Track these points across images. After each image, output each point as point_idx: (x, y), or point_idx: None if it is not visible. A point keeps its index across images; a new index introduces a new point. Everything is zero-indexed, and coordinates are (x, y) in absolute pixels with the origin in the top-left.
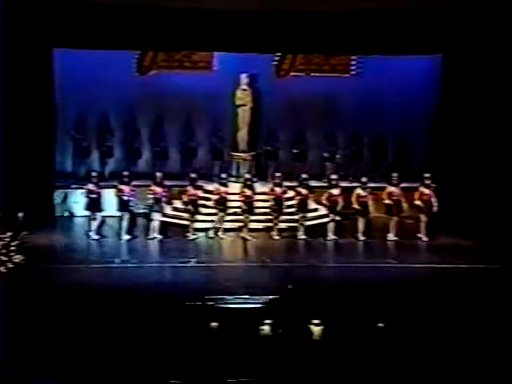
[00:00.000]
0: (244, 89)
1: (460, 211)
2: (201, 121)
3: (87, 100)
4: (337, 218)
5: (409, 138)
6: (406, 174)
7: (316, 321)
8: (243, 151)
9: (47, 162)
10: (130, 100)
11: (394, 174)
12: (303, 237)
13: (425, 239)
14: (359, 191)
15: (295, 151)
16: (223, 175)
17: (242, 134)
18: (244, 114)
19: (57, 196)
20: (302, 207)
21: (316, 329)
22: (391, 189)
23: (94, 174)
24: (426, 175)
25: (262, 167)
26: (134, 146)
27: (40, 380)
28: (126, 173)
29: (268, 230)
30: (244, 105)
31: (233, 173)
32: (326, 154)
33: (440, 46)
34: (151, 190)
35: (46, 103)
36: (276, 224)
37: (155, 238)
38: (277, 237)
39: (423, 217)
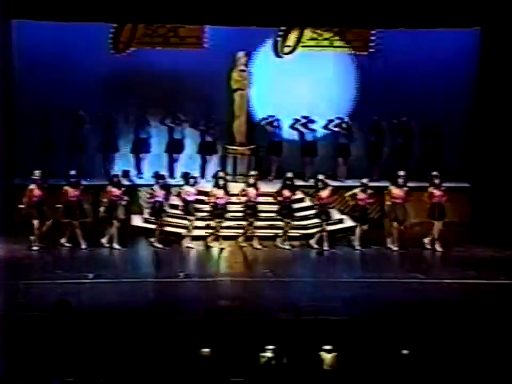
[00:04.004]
0: (242, 70)
1: (498, 218)
2: (189, 109)
3: (52, 83)
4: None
5: (440, 128)
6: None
7: (327, 347)
8: (240, 144)
9: (5, 156)
10: (104, 82)
11: (401, 173)
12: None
13: (439, 249)
14: (356, 191)
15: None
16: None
17: (240, 124)
18: (241, 100)
19: None
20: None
21: (328, 357)
22: (396, 190)
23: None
24: (434, 173)
25: (262, 163)
26: (109, 138)
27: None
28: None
29: (273, 237)
30: (241, 89)
31: (229, 170)
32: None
33: (478, 17)
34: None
35: (2, 88)
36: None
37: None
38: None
39: (435, 224)
